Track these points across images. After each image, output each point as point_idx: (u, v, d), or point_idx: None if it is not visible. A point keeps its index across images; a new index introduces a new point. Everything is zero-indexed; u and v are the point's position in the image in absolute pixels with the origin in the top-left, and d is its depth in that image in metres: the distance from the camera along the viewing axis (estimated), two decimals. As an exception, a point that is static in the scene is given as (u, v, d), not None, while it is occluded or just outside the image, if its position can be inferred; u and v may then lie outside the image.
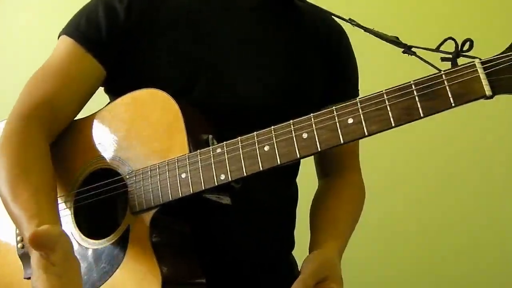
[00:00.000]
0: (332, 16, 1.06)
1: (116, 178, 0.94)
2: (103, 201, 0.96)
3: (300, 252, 1.13)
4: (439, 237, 1.85)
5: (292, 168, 1.11)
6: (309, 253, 1.02)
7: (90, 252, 0.94)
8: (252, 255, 1.02)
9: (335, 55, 1.12)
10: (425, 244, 1.86)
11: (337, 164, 1.16)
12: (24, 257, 1.00)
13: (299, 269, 0.97)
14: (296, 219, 1.15)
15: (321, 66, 1.10)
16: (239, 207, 0.93)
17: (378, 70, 1.66)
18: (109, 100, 1.12)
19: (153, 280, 0.84)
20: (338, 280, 0.95)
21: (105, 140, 0.97)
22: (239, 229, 0.99)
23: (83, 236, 0.95)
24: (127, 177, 0.92)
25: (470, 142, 1.82)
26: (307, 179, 1.16)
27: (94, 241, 0.94)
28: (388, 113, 0.75)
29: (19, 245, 1.01)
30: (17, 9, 1.95)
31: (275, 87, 1.04)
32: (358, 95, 1.16)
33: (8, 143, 0.94)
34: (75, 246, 0.95)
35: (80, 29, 1.00)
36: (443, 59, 0.78)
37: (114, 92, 1.06)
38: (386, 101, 0.75)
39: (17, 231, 1.02)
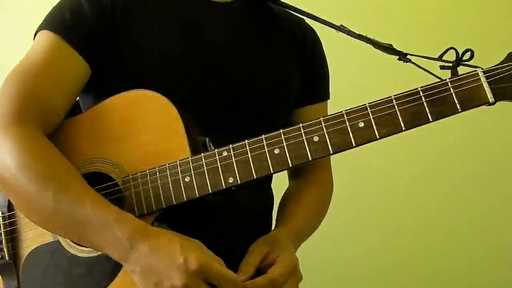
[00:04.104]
0: (307, 19, 1.09)
1: (111, 183, 0.90)
2: None
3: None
4: (435, 235, 1.90)
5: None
6: None
7: (82, 261, 0.89)
8: (236, 253, 1.02)
9: (310, 58, 1.15)
10: (421, 243, 1.91)
11: (308, 165, 1.19)
12: (4, 268, 0.94)
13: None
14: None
15: (296, 68, 1.13)
16: (227, 207, 0.94)
17: (369, 76, 1.71)
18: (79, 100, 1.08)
19: None
20: (284, 249, 0.94)
21: (94, 143, 0.93)
22: (225, 229, 0.99)
23: (73, 243, 0.90)
24: (123, 181, 0.89)
25: (465, 139, 1.87)
26: (283, 185, 1.19)
27: (85, 248, 0.90)
28: (398, 117, 0.79)
29: (-3, 256, 0.94)
30: (17, 8, 1.81)
31: (259, 88, 1.06)
32: (329, 97, 1.20)
33: (25, 150, 0.85)
34: (64, 255, 0.91)
35: (66, 25, 0.94)
36: (442, 67, 0.83)
37: (94, 91, 1.01)
38: (396, 106, 0.79)
39: (-7, 242, 0.95)
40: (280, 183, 1.18)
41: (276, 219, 1.10)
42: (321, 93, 1.19)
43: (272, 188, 1.17)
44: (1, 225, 0.95)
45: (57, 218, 0.84)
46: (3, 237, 0.95)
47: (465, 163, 1.87)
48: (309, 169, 1.18)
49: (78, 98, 1.00)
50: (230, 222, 0.99)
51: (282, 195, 1.19)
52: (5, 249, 0.94)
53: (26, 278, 0.92)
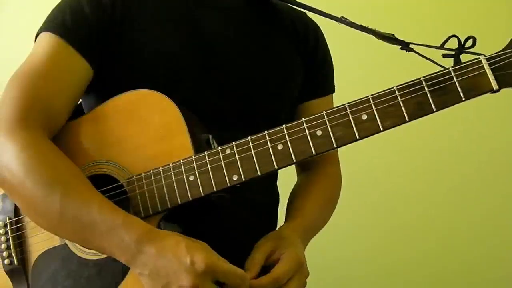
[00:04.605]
0: (317, 13, 1.08)
1: (115, 184, 0.90)
2: None
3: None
4: (437, 234, 1.91)
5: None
6: None
7: (90, 263, 0.89)
8: (246, 251, 1.02)
9: (312, 52, 1.14)
10: (423, 243, 1.91)
11: (314, 158, 1.18)
12: (13, 273, 0.94)
13: None
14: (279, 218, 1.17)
15: (299, 63, 1.12)
16: (234, 205, 0.93)
17: (372, 68, 1.69)
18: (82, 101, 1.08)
19: None
20: (290, 245, 0.93)
21: (98, 145, 0.93)
22: (233, 226, 0.98)
23: (80, 247, 0.91)
24: (127, 182, 0.89)
25: (467, 135, 1.88)
26: (288, 181, 1.18)
27: (92, 250, 0.89)
28: (402, 108, 0.78)
29: (6, 261, 0.95)
30: (18, 9, 1.82)
31: (261, 85, 1.05)
32: (334, 91, 1.19)
33: (31, 154, 0.85)
34: (73, 258, 0.91)
35: (67, 26, 0.93)
36: (445, 56, 0.82)
37: (97, 92, 1.01)
38: (399, 97, 0.78)
39: (1, 246, 0.95)
40: (286, 180, 1.18)
41: (286, 214, 1.09)
42: (326, 86, 1.18)
43: (279, 185, 1.17)
44: (9, 230, 0.96)
45: (64, 222, 0.84)
46: (11, 242, 0.95)
47: (467, 161, 1.87)
48: (317, 163, 1.17)
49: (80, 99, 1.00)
50: (237, 219, 0.98)
51: (289, 191, 1.18)
52: (13, 254, 0.94)
53: (35, 282, 0.93)
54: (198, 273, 0.78)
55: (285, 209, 1.14)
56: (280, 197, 1.16)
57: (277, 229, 1.04)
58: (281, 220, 1.14)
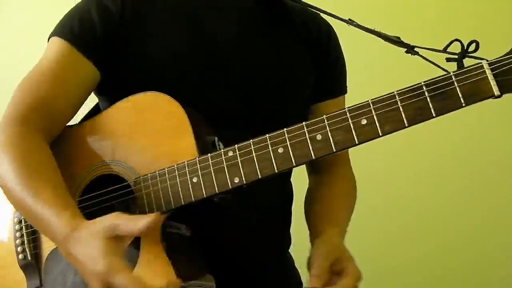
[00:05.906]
0: (325, 15, 1.07)
1: (122, 184, 0.93)
2: (104, 208, 0.94)
3: (296, 249, 1.16)
4: (438, 236, 1.91)
5: None
6: (311, 246, 1.02)
7: None
8: (251, 253, 1.03)
9: (325, 53, 1.14)
10: (424, 245, 1.91)
11: (327, 159, 1.18)
12: (27, 268, 0.98)
13: (308, 261, 0.95)
14: (292, 217, 1.17)
15: (311, 64, 1.12)
16: (239, 206, 0.94)
17: (377, 70, 1.69)
18: (96, 102, 1.11)
19: None
20: (351, 258, 0.94)
21: (106, 146, 0.96)
22: (238, 228, 1.00)
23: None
24: (134, 183, 0.91)
25: (464, 138, 1.87)
26: (302, 178, 1.18)
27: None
28: (401, 113, 0.77)
29: (20, 255, 0.98)
30: (17, 8, 1.87)
31: (268, 86, 1.05)
32: (346, 92, 1.18)
33: (11, 147, 0.90)
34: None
35: (74, 31, 0.97)
36: (448, 60, 0.81)
37: (107, 94, 1.04)
38: (399, 102, 0.78)
39: (16, 241, 0.99)
40: (299, 178, 1.18)
41: (316, 218, 1.08)
42: (337, 88, 1.17)
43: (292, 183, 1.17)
44: (23, 226, 1.00)
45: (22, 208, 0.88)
46: (25, 238, 0.99)
47: (468, 165, 1.86)
48: (330, 164, 1.17)
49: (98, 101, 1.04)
50: (241, 220, 0.99)
51: (300, 189, 1.18)
52: (27, 249, 0.98)
53: (47, 277, 0.96)
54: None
55: (304, 210, 1.14)
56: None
57: (321, 235, 1.01)
58: (295, 219, 1.15)
